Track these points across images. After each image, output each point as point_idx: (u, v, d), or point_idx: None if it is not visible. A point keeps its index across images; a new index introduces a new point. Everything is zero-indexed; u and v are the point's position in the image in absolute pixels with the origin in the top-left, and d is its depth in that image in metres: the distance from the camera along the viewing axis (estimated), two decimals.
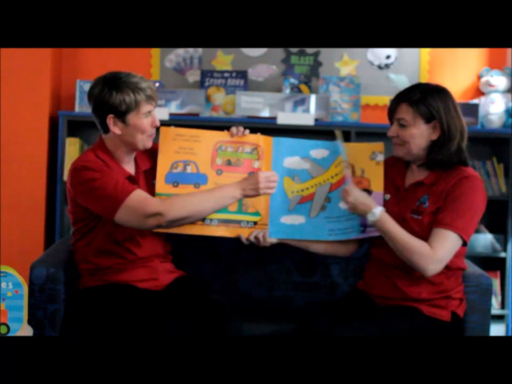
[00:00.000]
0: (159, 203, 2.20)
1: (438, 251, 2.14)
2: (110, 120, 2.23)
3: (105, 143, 2.30)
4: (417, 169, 2.31)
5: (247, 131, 2.37)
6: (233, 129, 2.36)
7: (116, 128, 2.24)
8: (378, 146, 2.39)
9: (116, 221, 2.21)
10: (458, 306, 2.28)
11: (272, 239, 2.37)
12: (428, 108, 2.21)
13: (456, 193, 2.19)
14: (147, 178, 2.37)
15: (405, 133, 2.24)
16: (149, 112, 2.25)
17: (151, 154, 2.38)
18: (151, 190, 2.34)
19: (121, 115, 2.22)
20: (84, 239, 2.31)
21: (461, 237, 2.17)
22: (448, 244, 2.16)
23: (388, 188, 2.35)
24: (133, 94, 2.21)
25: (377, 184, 2.36)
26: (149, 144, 2.30)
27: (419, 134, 2.23)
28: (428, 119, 2.22)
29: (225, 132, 2.37)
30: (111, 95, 2.21)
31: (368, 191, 2.34)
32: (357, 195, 2.24)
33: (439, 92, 2.25)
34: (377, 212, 2.20)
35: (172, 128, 2.36)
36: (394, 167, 2.38)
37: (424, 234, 2.19)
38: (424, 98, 2.22)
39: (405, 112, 2.24)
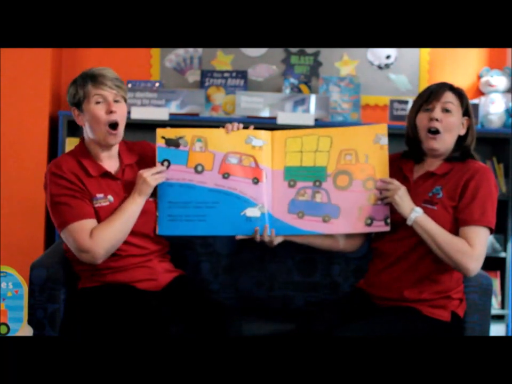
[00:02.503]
0: (88, 241, 2.17)
1: (476, 248, 2.17)
2: (75, 112, 2.30)
3: (84, 141, 2.34)
4: (429, 161, 2.32)
5: (241, 125, 2.37)
6: (228, 125, 2.37)
7: (80, 119, 2.30)
8: (382, 128, 2.30)
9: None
10: (458, 306, 2.28)
11: (278, 238, 2.36)
12: (467, 103, 2.29)
13: (473, 187, 2.22)
14: (133, 170, 2.35)
15: (449, 119, 2.25)
16: (100, 97, 2.25)
17: (137, 150, 2.41)
18: None
19: (78, 105, 2.28)
20: None
21: (490, 228, 2.21)
22: (483, 239, 2.20)
23: (394, 178, 2.31)
24: (84, 83, 2.27)
25: (382, 171, 2.28)
26: (111, 140, 2.27)
27: (458, 125, 2.28)
28: (464, 113, 2.29)
29: (221, 129, 2.37)
30: (70, 88, 2.31)
31: (373, 180, 2.30)
32: (403, 193, 2.22)
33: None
34: (419, 209, 2.20)
35: (168, 129, 2.36)
36: (402, 160, 2.37)
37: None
38: (464, 94, 2.30)
39: (452, 98, 2.27)
